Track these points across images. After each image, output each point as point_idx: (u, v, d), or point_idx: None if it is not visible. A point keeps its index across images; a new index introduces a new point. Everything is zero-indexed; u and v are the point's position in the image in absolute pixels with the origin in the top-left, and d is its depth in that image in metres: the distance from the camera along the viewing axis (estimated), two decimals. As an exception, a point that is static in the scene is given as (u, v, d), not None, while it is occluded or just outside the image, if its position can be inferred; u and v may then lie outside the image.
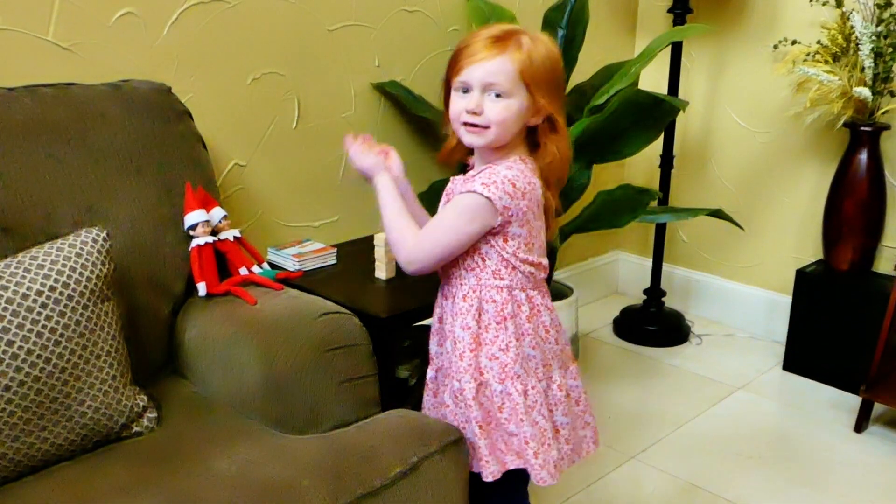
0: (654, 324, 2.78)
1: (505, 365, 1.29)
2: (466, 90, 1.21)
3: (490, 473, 1.30)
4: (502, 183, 1.21)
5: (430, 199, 2.06)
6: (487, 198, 1.20)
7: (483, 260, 1.27)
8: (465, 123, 1.22)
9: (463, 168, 1.35)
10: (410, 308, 1.66)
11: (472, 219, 1.23)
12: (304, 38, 2.01)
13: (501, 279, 1.28)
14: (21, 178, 1.37)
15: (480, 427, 1.29)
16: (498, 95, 1.19)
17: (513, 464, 1.31)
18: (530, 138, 1.29)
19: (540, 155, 1.28)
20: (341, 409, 1.38)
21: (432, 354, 1.40)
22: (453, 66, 1.22)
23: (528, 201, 1.24)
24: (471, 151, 1.33)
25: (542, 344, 1.31)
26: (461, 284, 1.29)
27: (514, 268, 1.27)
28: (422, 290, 1.75)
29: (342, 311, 1.46)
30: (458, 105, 1.22)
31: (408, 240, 1.27)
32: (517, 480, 1.36)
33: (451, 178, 1.35)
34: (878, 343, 2.17)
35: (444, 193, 1.36)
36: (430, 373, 1.41)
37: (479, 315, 1.28)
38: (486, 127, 1.21)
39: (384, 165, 1.34)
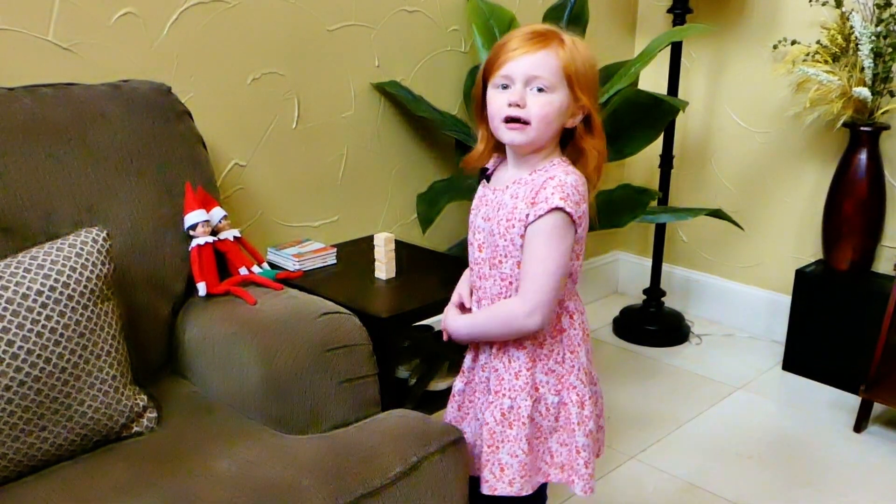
0: (653, 324, 2.78)
1: (561, 376, 1.27)
2: (506, 86, 1.17)
3: (516, 492, 1.27)
4: (573, 192, 1.17)
5: (430, 200, 2.07)
6: (569, 213, 1.16)
7: None
8: (507, 120, 1.17)
9: (483, 172, 1.30)
10: (410, 308, 1.66)
11: (564, 236, 1.17)
12: (304, 38, 2.01)
13: None
14: (21, 178, 1.37)
15: (529, 444, 1.27)
16: (540, 90, 1.15)
17: (556, 477, 1.30)
18: (564, 144, 1.25)
19: (585, 161, 1.23)
20: (341, 409, 1.38)
21: (464, 368, 1.36)
22: (492, 63, 1.18)
23: (587, 205, 1.21)
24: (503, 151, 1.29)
25: (586, 350, 1.30)
26: None
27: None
28: (422, 290, 1.75)
29: (342, 311, 1.46)
30: (499, 100, 1.18)
31: (512, 307, 1.21)
32: (538, 494, 1.35)
33: (485, 187, 1.29)
34: (877, 343, 2.17)
35: (480, 205, 1.28)
36: (458, 385, 1.37)
37: (538, 332, 1.25)
38: (528, 123, 1.16)
39: (450, 311, 1.35)
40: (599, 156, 1.23)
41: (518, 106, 1.16)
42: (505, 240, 1.21)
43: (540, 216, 1.16)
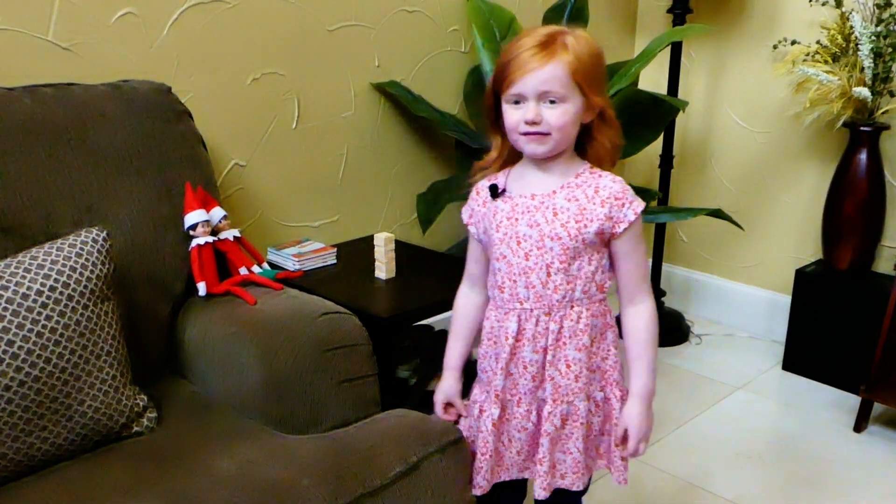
0: (653, 324, 2.78)
1: (605, 372, 1.29)
2: (518, 101, 1.18)
3: (582, 483, 1.31)
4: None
5: (430, 200, 2.06)
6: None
7: (589, 276, 1.24)
8: (526, 133, 1.18)
9: (494, 189, 1.26)
10: (411, 308, 1.66)
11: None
12: (304, 38, 2.01)
13: (603, 291, 1.27)
14: (21, 178, 1.37)
15: (584, 442, 1.29)
16: (553, 101, 1.16)
17: (598, 466, 1.35)
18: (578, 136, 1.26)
19: (592, 150, 1.25)
20: (341, 409, 1.38)
21: (498, 390, 1.28)
22: (503, 79, 1.18)
23: None
24: (511, 161, 1.28)
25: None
26: (573, 307, 1.24)
27: (606, 275, 1.27)
28: (422, 290, 1.75)
29: (342, 311, 1.46)
30: (514, 117, 1.18)
31: (648, 312, 1.28)
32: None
33: (509, 199, 1.25)
34: (878, 343, 2.17)
35: (516, 214, 1.24)
36: (495, 411, 1.29)
37: (592, 331, 1.26)
38: (548, 134, 1.17)
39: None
40: (613, 147, 1.25)
41: (535, 123, 1.16)
42: (576, 241, 1.21)
43: (632, 222, 1.22)
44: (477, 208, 1.30)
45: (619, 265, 1.26)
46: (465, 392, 1.37)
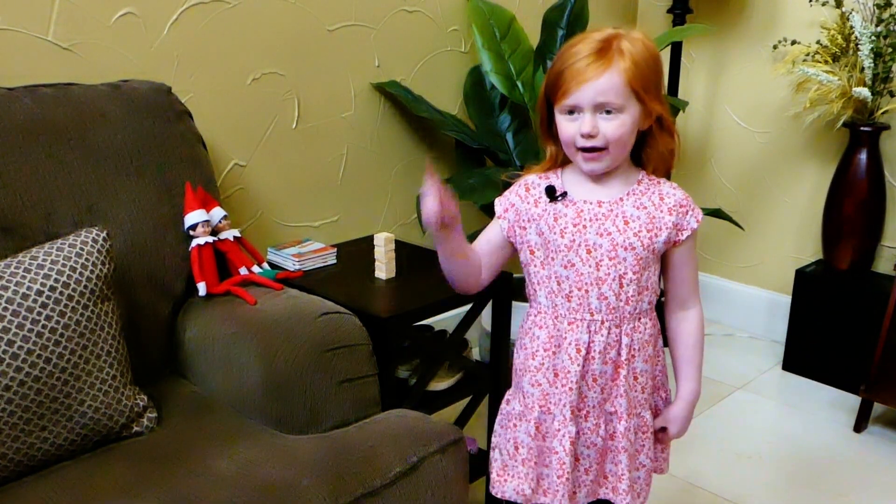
0: (653, 324, 2.78)
1: (655, 377, 1.29)
2: (573, 112, 1.13)
3: (642, 502, 1.30)
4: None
5: (430, 199, 2.06)
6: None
7: (654, 286, 1.22)
8: (583, 149, 1.14)
9: (552, 191, 1.21)
10: (411, 308, 1.66)
11: None
12: (304, 38, 2.01)
13: (656, 297, 1.25)
14: (21, 178, 1.37)
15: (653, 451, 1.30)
16: (609, 112, 1.11)
17: (660, 468, 1.36)
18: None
19: (647, 157, 1.21)
20: (341, 409, 1.38)
21: (573, 405, 1.22)
22: (557, 88, 1.13)
23: None
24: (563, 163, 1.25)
25: None
26: (640, 318, 1.22)
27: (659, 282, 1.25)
28: (422, 290, 1.75)
29: (342, 311, 1.46)
30: (570, 129, 1.13)
31: (698, 320, 1.28)
32: None
33: (571, 204, 1.19)
34: (878, 343, 2.17)
35: (582, 221, 1.18)
36: (571, 428, 1.23)
37: (653, 339, 1.25)
38: (604, 149, 1.13)
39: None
40: (669, 153, 1.21)
41: (591, 136, 1.12)
42: (648, 251, 1.18)
43: (694, 230, 1.21)
44: (521, 206, 1.23)
45: (674, 272, 1.24)
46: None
